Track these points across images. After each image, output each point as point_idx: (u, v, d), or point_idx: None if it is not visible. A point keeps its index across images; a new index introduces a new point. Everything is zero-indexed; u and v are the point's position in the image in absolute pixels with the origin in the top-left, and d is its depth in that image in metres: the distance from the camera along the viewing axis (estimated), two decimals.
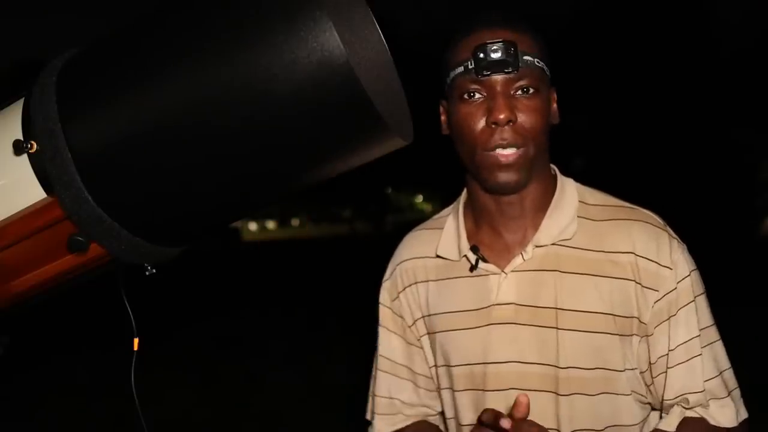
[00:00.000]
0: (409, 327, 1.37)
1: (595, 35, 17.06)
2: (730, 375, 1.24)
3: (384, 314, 1.40)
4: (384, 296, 1.41)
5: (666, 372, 1.21)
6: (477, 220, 1.30)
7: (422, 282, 1.35)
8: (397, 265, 1.39)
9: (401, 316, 1.38)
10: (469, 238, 1.29)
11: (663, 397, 1.22)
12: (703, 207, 16.02)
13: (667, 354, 1.20)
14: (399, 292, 1.38)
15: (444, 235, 1.33)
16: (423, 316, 1.35)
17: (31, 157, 0.79)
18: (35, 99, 0.80)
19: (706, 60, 17.17)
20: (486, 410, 1.10)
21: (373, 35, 0.83)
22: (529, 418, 1.08)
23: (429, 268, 1.34)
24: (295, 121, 0.71)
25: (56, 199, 0.79)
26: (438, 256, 1.33)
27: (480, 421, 1.10)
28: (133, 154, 0.77)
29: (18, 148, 0.79)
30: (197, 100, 0.73)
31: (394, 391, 1.39)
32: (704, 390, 1.19)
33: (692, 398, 1.19)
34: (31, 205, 0.81)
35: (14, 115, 0.83)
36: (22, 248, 0.84)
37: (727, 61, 17.14)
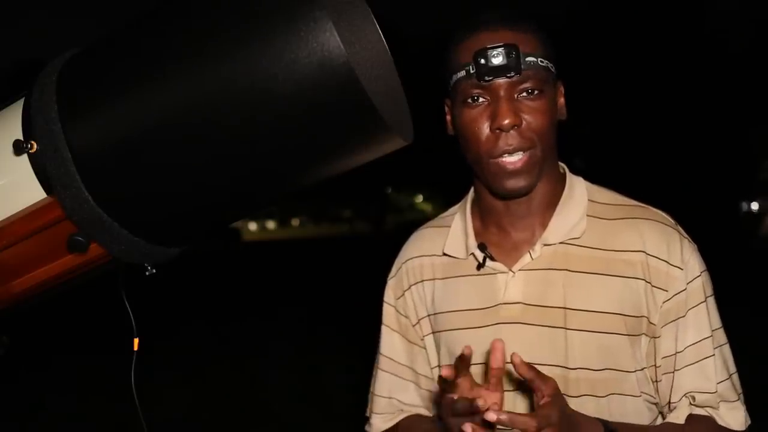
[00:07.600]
0: (413, 326, 1.36)
1: (593, 34, 17.05)
2: (737, 379, 1.22)
3: (387, 313, 1.39)
4: (389, 294, 1.40)
5: (673, 374, 1.19)
6: (484, 219, 1.29)
7: (428, 280, 1.34)
8: (403, 263, 1.38)
9: (406, 315, 1.37)
10: (476, 236, 1.28)
11: (670, 399, 1.20)
12: (702, 207, 16.01)
13: (674, 355, 1.18)
14: (404, 290, 1.37)
15: (451, 234, 1.32)
16: (428, 315, 1.34)
17: (31, 157, 0.79)
18: (35, 99, 0.80)
19: (706, 59, 17.16)
20: (463, 400, 1.03)
21: (373, 35, 0.83)
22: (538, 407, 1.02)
23: (435, 267, 1.33)
24: (295, 121, 0.71)
25: (56, 199, 0.79)
26: (445, 254, 1.32)
27: (454, 406, 1.04)
28: (132, 154, 0.77)
29: (18, 148, 0.79)
30: (197, 100, 0.72)
31: (395, 391, 1.38)
32: (716, 392, 1.17)
33: (700, 397, 1.17)
34: (31, 205, 0.81)
35: (14, 115, 0.82)
36: (22, 248, 0.84)
37: (727, 60, 17.13)
